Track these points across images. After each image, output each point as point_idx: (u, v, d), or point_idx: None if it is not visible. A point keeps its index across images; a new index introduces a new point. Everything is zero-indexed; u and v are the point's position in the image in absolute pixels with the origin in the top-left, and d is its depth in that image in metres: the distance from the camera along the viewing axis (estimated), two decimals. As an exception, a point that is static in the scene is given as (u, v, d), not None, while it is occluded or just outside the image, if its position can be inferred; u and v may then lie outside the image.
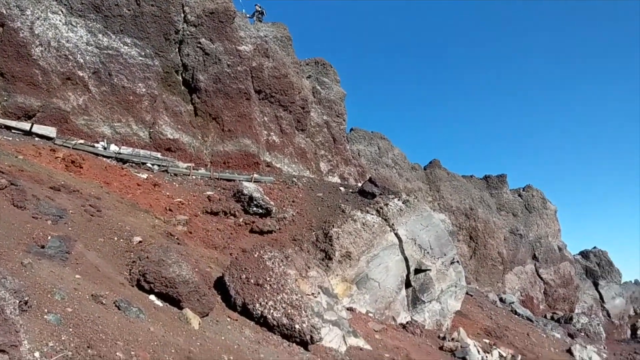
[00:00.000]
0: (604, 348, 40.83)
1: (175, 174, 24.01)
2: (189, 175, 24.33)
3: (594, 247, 65.57)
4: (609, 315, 58.65)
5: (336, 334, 14.22)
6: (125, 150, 24.32)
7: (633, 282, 65.95)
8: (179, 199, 20.84)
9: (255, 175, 26.11)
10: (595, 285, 61.29)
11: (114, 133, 25.17)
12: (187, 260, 11.09)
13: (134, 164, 23.38)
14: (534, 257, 56.62)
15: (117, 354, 6.37)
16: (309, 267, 15.89)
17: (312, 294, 14.92)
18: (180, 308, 10.13)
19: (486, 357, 21.95)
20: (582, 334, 42.46)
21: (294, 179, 27.30)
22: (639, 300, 63.29)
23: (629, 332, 56.56)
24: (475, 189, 55.90)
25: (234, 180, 24.92)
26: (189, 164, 25.73)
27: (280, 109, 32.23)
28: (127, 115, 25.75)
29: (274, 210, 22.65)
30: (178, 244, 14.96)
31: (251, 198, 22.08)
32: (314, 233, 21.82)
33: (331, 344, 13.53)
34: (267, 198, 23.07)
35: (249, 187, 22.73)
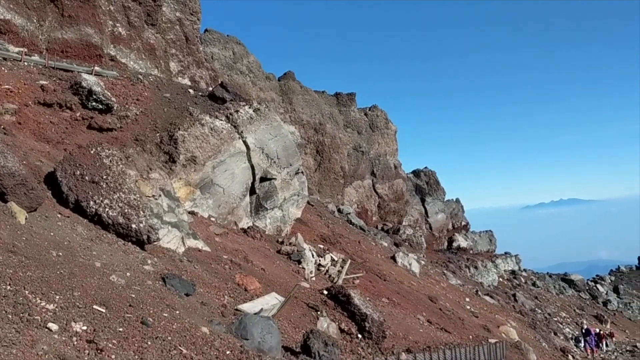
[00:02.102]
0: (424, 256, 45.86)
1: (4, 59, 21.42)
2: (20, 61, 21.87)
3: (425, 167, 71.57)
4: (431, 228, 65.27)
5: (175, 235, 14.28)
6: (-60, 24, 21.13)
7: (454, 200, 73.32)
8: (7, 86, 18.80)
9: (96, 68, 24.19)
10: (423, 201, 67.41)
11: None
12: (13, 152, 10.25)
13: (-49, 42, 20.47)
14: (372, 173, 60.47)
15: None
16: (150, 169, 15.54)
17: (153, 195, 14.70)
18: (5, 201, 9.45)
19: (319, 260, 23.55)
20: (407, 243, 47.10)
21: (140, 76, 25.81)
22: (457, 217, 70.96)
23: (446, 243, 63.92)
24: (325, 105, 57.35)
25: (72, 72, 22.89)
26: (21, 49, 23.07)
27: (129, -2, 29.75)
28: (-58, -16, 22.21)
29: (115, 107, 21.37)
30: (4, 134, 13.70)
31: (90, 92, 20.54)
32: (158, 134, 21.13)
33: (169, 244, 13.59)
34: (109, 93, 21.66)
35: (89, 80, 21.10)
